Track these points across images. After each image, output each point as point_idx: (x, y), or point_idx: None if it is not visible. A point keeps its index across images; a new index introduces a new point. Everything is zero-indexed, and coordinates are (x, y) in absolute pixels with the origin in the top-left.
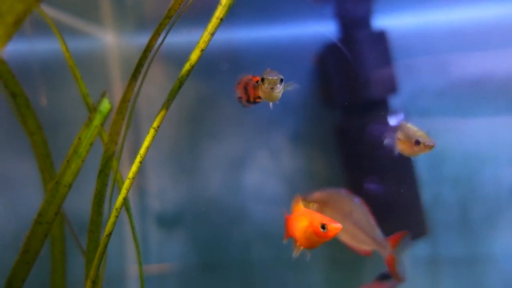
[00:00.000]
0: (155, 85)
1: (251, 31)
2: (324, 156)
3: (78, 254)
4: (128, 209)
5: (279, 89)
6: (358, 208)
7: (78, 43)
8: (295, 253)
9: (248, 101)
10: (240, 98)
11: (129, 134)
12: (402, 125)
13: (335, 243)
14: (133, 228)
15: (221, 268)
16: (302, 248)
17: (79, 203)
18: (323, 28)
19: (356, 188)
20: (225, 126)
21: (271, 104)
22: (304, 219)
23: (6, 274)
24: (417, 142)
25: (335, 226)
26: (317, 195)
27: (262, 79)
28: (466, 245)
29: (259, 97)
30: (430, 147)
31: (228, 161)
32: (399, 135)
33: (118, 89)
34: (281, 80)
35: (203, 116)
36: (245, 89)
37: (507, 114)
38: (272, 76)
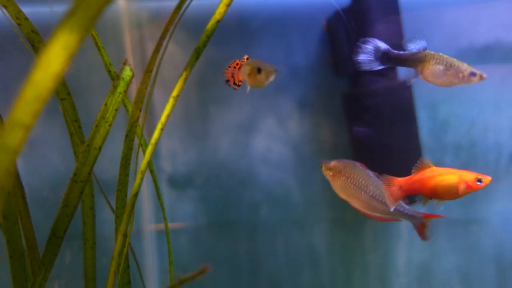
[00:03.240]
0: (166, 54)
1: None
2: (331, 123)
3: (104, 210)
4: (152, 172)
5: (272, 79)
6: (374, 181)
7: None
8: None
9: (234, 83)
10: (227, 81)
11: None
12: (429, 54)
13: (336, 205)
14: (158, 189)
15: (230, 227)
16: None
17: (104, 164)
18: None
19: (362, 153)
20: (233, 92)
21: (248, 88)
22: (451, 176)
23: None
24: (473, 74)
25: (489, 178)
26: (333, 163)
27: (259, 69)
28: (463, 208)
29: (240, 81)
30: (482, 77)
31: (237, 126)
32: (435, 64)
33: (129, 53)
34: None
35: (212, 82)
36: (232, 73)
37: None
38: (270, 68)
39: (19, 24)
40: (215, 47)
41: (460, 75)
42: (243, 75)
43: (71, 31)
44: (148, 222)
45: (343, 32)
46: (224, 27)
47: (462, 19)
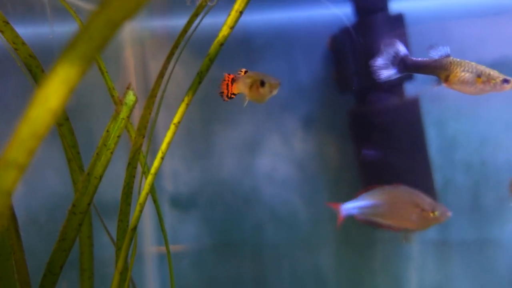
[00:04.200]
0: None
1: (263, 12)
2: (336, 140)
3: (104, 233)
4: (155, 201)
5: (275, 93)
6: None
7: None
8: None
9: (227, 96)
10: (221, 93)
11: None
12: (454, 61)
13: (344, 225)
14: (161, 219)
15: (234, 248)
16: None
17: (104, 189)
18: (338, 10)
19: (368, 172)
20: (237, 109)
21: (246, 102)
22: None
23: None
24: (506, 81)
25: None
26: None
27: (262, 82)
28: (476, 229)
29: (234, 94)
30: None
31: (240, 144)
32: (463, 71)
33: (132, 73)
34: None
35: (215, 99)
36: (227, 86)
37: None
38: (274, 81)
39: (16, 49)
40: (219, 65)
41: (492, 82)
42: (242, 88)
43: (71, 64)
44: (149, 245)
45: (347, 49)
46: (228, 45)
47: (469, 35)
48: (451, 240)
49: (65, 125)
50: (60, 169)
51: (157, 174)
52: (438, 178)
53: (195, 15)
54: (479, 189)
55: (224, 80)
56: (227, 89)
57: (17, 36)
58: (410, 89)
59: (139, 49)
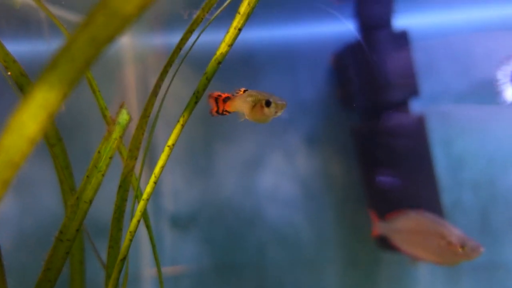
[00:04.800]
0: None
1: (267, 30)
2: (341, 158)
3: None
4: (148, 226)
5: (280, 114)
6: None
7: None
8: None
9: (217, 112)
10: (211, 109)
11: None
12: None
13: (349, 244)
14: (153, 246)
15: (236, 270)
16: None
17: (100, 209)
18: (342, 28)
19: (373, 188)
20: (239, 127)
21: (242, 119)
22: None
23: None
24: None
25: None
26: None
27: (268, 102)
28: (486, 251)
29: (227, 111)
30: None
31: (243, 162)
32: None
33: (132, 89)
34: None
35: (217, 117)
36: (216, 100)
37: None
38: (280, 101)
39: (7, 67)
40: (221, 82)
41: None
42: (239, 107)
43: (51, 87)
44: (147, 267)
45: (351, 66)
46: (230, 62)
47: (473, 51)
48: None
49: (58, 145)
50: (55, 188)
51: (157, 193)
52: (445, 198)
53: (190, 31)
54: (488, 210)
55: (211, 97)
56: (217, 105)
57: (7, 54)
58: (416, 107)
59: (140, 66)
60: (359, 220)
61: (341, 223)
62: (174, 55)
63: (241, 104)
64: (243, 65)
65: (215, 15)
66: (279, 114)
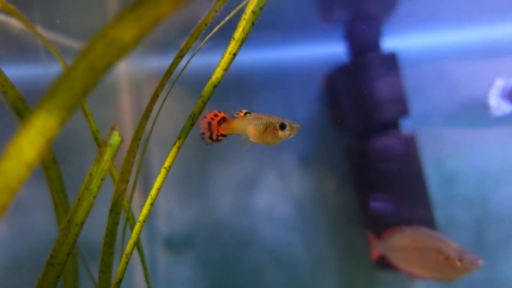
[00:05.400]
0: (164, 111)
1: (259, 52)
2: (334, 178)
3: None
4: (140, 249)
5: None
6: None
7: None
8: None
9: (210, 137)
10: (202, 134)
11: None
12: None
13: (345, 265)
14: (145, 269)
15: None
16: None
17: (92, 233)
18: (333, 50)
19: (367, 210)
20: (234, 147)
21: (247, 145)
22: None
23: None
24: None
25: None
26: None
27: (282, 125)
28: (482, 268)
29: (223, 135)
30: None
31: (237, 183)
32: None
33: (128, 113)
34: None
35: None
36: (209, 124)
37: None
38: (294, 124)
39: (5, 92)
40: (215, 103)
41: None
42: (241, 129)
43: (49, 114)
44: None
45: (342, 87)
46: (224, 84)
47: (461, 72)
48: (457, 280)
49: (53, 168)
50: (50, 211)
51: (151, 215)
52: (439, 215)
53: (179, 56)
54: (482, 227)
55: (205, 118)
56: (210, 129)
57: (5, 79)
58: (406, 126)
59: (135, 91)
60: (354, 240)
61: (336, 243)
62: (165, 79)
63: (244, 127)
64: (237, 87)
65: (204, 40)
66: (291, 136)
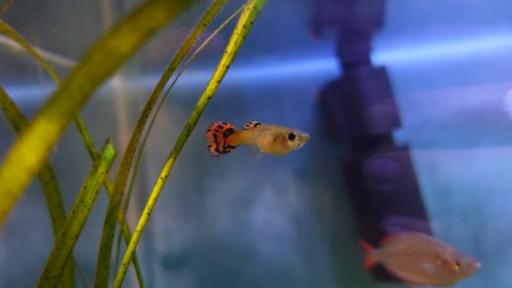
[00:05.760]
0: (161, 127)
1: (252, 69)
2: (330, 191)
3: None
4: (135, 261)
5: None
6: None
7: None
8: None
9: (217, 150)
10: (209, 146)
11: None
12: None
13: (343, 279)
14: (140, 281)
15: None
16: None
17: (89, 250)
18: (324, 66)
19: (365, 223)
20: (230, 164)
21: (256, 152)
22: None
23: None
24: None
25: None
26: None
27: (291, 135)
28: (482, 279)
29: (230, 147)
30: None
31: (234, 199)
32: None
33: (125, 132)
34: None
35: (207, 155)
36: (215, 136)
37: (511, 144)
38: (303, 134)
39: (4, 109)
40: (210, 120)
41: None
42: (251, 140)
43: (50, 120)
44: None
45: (334, 101)
46: (219, 101)
47: (452, 83)
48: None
49: (51, 183)
50: (46, 230)
51: (148, 233)
52: (435, 226)
53: (171, 69)
54: (479, 236)
55: (209, 131)
56: (216, 141)
57: (5, 96)
58: (400, 137)
59: (131, 109)
60: (352, 253)
61: (334, 257)
62: (157, 91)
63: (254, 138)
64: (233, 103)
65: (194, 54)
66: (301, 146)
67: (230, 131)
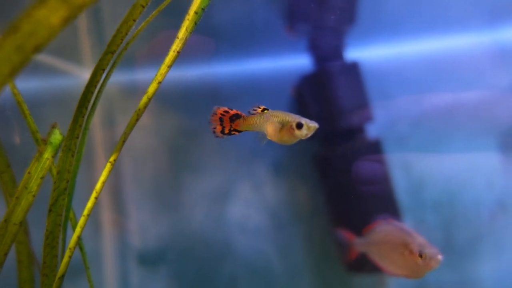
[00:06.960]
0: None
1: (229, 65)
2: (307, 186)
3: None
4: (82, 248)
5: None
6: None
7: (58, 81)
8: None
9: (222, 132)
10: (214, 128)
11: (90, 169)
12: None
13: (320, 273)
14: (87, 268)
15: None
16: None
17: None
18: (299, 61)
19: (339, 216)
20: (207, 159)
21: (263, 139)
22: None
23: None
24: None
25: None
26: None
27: (299, 124)
28: (452, 270)
29: (236, 130)
30: None
31: (211, 194)
32: None
33: (98, 126)
34: None
35: (184, 150)
36: (221, 120)
37: (481, 139)
38: (312, 123)
39: None
40: (187, 115)
41: None
42: (258, 126)
43: None
44: None
45: (309, 96)
46: (198, 96)
47: (424, 78)
48: (428, 282)
49: (6, 172)
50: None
51: (124, 229)
52: (408, 220)
53: (110, 52)
54: (451, 229)
55: (215, 114)
56: (222, 124)
57: None
58: (372, 132)
59: (105, 104)
60: (328, 247)
61: (310, 250)
62: (97, 76)
63: (262, 124)
64: (210, 98)
65: (129, 42)
66: (309, 135)
67: (237, 116)
